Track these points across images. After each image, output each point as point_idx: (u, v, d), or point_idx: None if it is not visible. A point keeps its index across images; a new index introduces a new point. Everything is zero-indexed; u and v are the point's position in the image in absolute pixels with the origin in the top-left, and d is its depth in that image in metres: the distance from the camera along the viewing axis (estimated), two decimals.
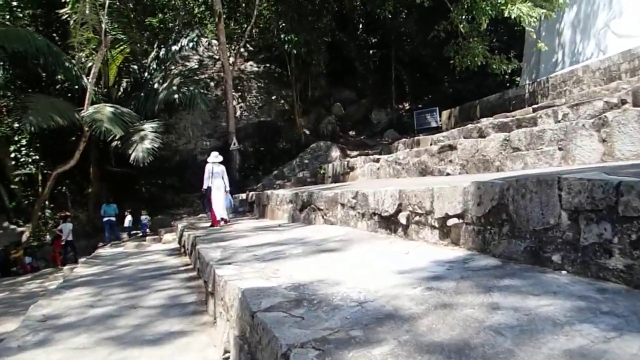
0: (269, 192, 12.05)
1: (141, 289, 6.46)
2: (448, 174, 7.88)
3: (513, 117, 10.93)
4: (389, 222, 5.62)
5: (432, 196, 4.64)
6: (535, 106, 12.56)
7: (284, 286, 3.36)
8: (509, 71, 20.60)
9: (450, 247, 4.37)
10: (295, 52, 20.41)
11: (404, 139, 15.39)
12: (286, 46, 20.31)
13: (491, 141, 6.90)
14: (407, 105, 28.30)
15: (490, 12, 15.66)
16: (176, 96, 17.61)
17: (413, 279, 3.28)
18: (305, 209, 8.79)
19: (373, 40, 27.38)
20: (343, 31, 24.21)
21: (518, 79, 24.80)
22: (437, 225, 4.62)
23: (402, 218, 5.25)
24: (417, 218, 5.01)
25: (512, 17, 14.98)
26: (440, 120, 22.31)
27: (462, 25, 16.63)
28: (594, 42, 15.87)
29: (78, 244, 17.74)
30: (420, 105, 26.37)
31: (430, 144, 12.39)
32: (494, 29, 21.55)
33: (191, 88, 18.10)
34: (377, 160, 11.11)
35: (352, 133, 25.88)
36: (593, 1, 16.14)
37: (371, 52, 26.86)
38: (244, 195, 15.91)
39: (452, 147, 7.89)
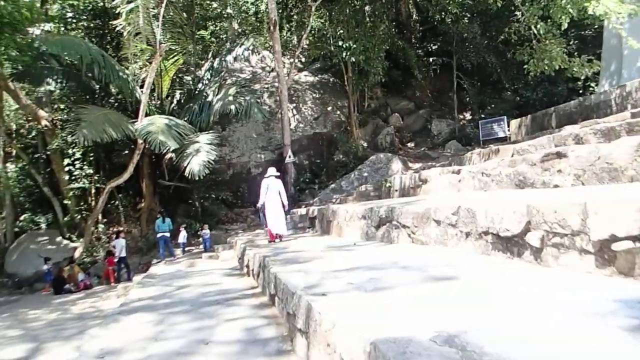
0: (334, 206, 11.22)
1: (208, 318, 5.70)
2: (556, 186, 6.82)
3: (607, 122, 9.76)
4: (509, 244, 4.66)
5: (584, 212, 3.67)
6: (634, 111, 11.29)
7: (429, 336, 2.48)
8: (590, 75, 19.19)
9: (619, 278, 3.39)
10: (353, 60, 19.65)
11: (479, 150, 14.27)
12: (344, 54, 19.59)
13: (619, 146, 5.83)
14: (467, 116, 27.00)
15: (570, 11, 14.41)
16: (232, 107, 17.08)
17: (628, 330, 2.33)
18: (384, 226, 7.90)
19: (433, 48, 26.33)
20: (401, 38, 23.30)
21: (593, 85, 23.26)
22: (591, 249, 3.64)
23: (532, 239, 4.28)
24: (555, 239, 4.04)
25: (597, 14, 13.68)
26: (508, 131, 21.00)
27: (538, 26, 15.39)
28: None
29: (131, 260, 17.41)
30: (482, 115, 25.05)
31: (513, 155, 11.31)
32: (564, 32, 20.04)
33: (247, 98, 17.55)
34: (458, 172, 10.09)
35: (410, 145, 24.83)
36: None
37: (431, 59, 25.79)
38: (303, 211, 15.17)
39: (560, 155, 6.84)
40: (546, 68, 16.05)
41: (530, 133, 19.28)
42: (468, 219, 5.37)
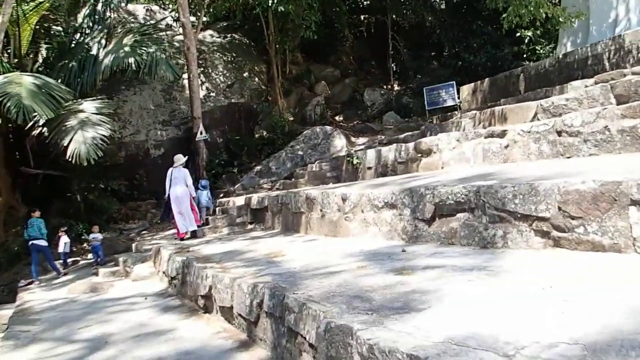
0: (310, 191, 8.06)
1: None
2: None
3: None
4: None
5: None
6: None
7: None
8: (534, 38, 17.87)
9: None
10: (282, 9, 16.31)
11: (474, 112, 11.83)
12: (270, 1, 16.22)
13: None
14: (396, 86, 24.84)
15: None
16: (132, 60, 13.01)
17: None
18: (448, 218, 5.03)
19: (365, 3, 23.63)
20: None
21: (538, 48, 22.10)
22: None
23: None
24: None
25: None
26: (459, 98, 19.08)
27: None
28: None
29: None
30: (412, 84, 23.12)
31: (536, 115, 8.96)
32: None
33: (151, 50, 13.60)
34: (502, 134, 7.39)
35: (339, 118, 22.12)
36: None
37: (362, 17, 23.15)
38: (240, 200, 11.83)
39: None
40: (532, 16, 13.93)
41: (489, 100, 17.42)
42: None
